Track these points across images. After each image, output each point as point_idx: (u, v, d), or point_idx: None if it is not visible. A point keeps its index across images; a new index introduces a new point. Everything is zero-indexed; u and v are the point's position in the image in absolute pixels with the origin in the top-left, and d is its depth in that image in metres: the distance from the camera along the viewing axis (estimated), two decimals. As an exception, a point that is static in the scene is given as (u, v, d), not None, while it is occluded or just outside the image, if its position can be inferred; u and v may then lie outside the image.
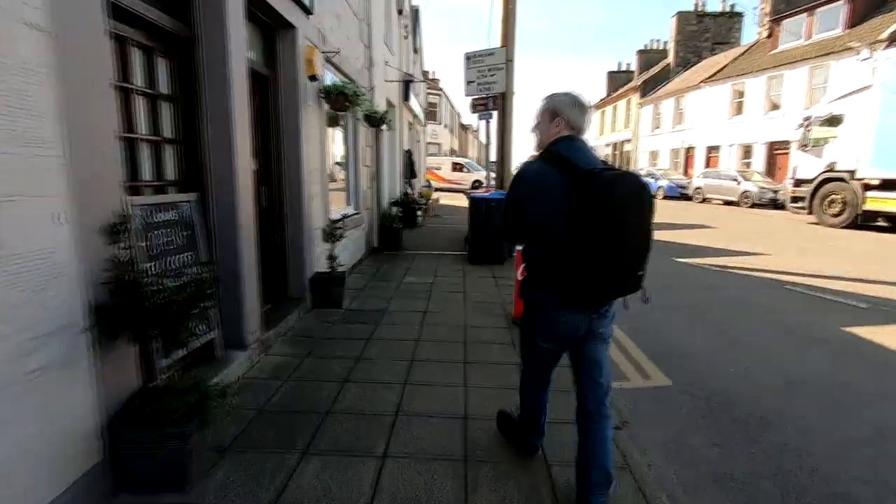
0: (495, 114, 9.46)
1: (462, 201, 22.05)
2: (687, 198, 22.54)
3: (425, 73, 19.51)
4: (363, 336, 4.18)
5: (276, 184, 4.48)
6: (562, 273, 1.78)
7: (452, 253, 8.33)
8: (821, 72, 19.58)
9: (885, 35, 17.04)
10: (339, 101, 5.04)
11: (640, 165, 31.51)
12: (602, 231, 1.68)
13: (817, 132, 12.21)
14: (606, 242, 1.70)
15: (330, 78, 5.62)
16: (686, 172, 26.88)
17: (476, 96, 9.41)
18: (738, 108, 23.84)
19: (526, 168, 1.94)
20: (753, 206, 18.62)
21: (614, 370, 3.08)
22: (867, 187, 10.92)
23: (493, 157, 9.82)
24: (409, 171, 12.61)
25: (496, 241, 7.34)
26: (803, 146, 12.71)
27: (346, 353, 3.79)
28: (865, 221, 11.30)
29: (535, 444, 2.43)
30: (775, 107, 21.74)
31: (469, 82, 9.38)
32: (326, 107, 5.25)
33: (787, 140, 20.84)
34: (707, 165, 25.55)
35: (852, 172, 11.24)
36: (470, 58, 9.32)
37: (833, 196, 11.77)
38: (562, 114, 1.93)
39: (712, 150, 25.64)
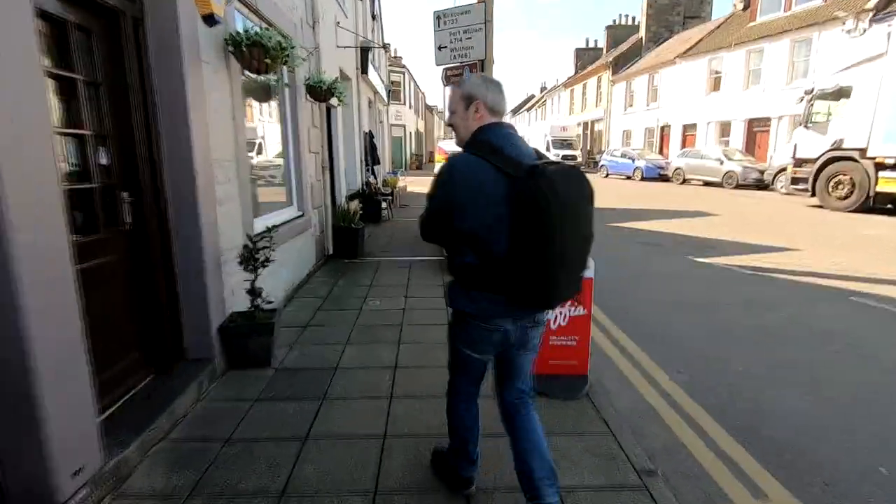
0: (472, 86, 7.87)
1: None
2: (665, 179, 21.62)
3: (386, 46, 17.60)
4: (298, 431, 2.60)
5: (148, 187, 2.79)
6: (504, 280, 1.63)
7: (426, 258, 6.77)
8: (803, 45, 18.73)
9: (870, 4, 16.21)
10: (256, 58, 3.34)
11: (613, 145, 30.54)
12: (551, 234, 1.53)
13: (821, 107, 11.16)
14: (556, 246, 1.55)
15: (244, 23, 3.90)
16: (661, 152, 26.01)
17: (449, 65, 7.78)
18: (716, 84, 22.93)
19: (453, 163, 1.68)
20: (737, 186, 17.76)
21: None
22: (880, 167, 9.94)
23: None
24: (372, 156, 10.87)
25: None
26: (806, 122, 11.65)
27: (265, 477, 2.21)
28: (877, 205, 10.35)
29: (468, 478, 2.11)
30: (755, 82, 20.89)
31: (440, 48, 7.72)
32: (238, 67, 3.55)
33: (768, 117, 20.10)
34: (683, 144, 24.71)
35: (863, 150, 10.23)
36: (440, 17, 7.66)
37: (840, 177, 10.78)
38: (478, 97, 1.73)
39: (689, 128, 24.77)
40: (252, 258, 3.29)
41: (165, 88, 2.79)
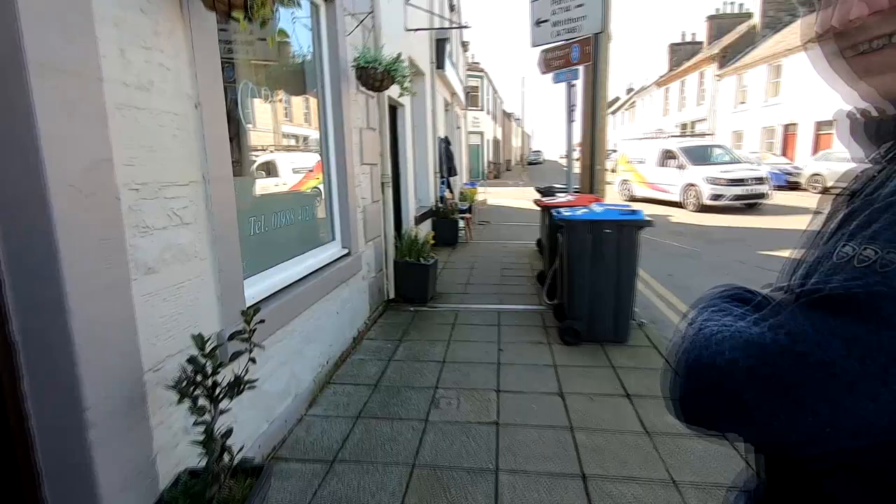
0: (581, 73, 5.90)
1: (520, 200, 18.28)
2: (794, 187, 18.01)
3: (464, 45, 16.00)
4: None
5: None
6: None
7: (519, 308, 4.89)
8: None
9: None
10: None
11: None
12: None
13: None
14: None
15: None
16: (784, 154, 22.05)
17: (550, 44, 5.88)
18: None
19: None
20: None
21: None
22: None
23: (574, 141, 6.27)
24: (448, 166, 9.19)
25: (609, 298, 3.82)
26: None
27: None
28: None
29: None
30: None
31: (539, 22, 5.86)
32: (213, 17, 1.92)
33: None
34: (816, 146, 20.67)
35: None
36: (540, -19, 5.79)
37: None
38: None
39: (823, 125, 20.67)
40: (202, 383, 1.61)
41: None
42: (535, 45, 6.00)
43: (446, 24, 8.67)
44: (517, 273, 6.47)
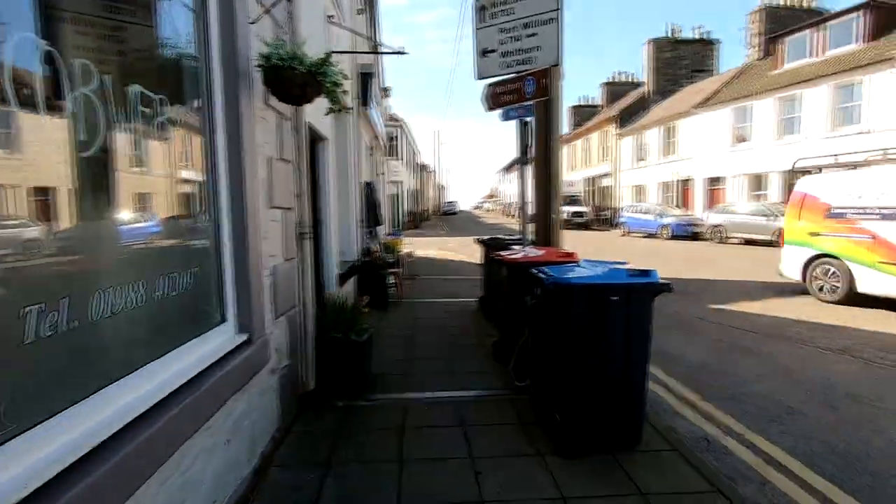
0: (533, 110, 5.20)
1: (445, 251, 17.33)
2: (696, 237, 19.17)
3: (385, 90, 15.40)
4: None
5: None
6: None
7: (486, 393, 3.77)
8: (846, 90, 16.93)
9: (930, 42, 14.44)
10: None
11: (625, 201, 28.42)
12: None
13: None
14: None
15: None
16: (681, 207, 23.76)
17: (497, 77, 5.15)
18: (744, 135, 21.03)
19: None
20: (796, 246, 15.18)
21: None
22: None
23: (527, 189, 5.48)
24: (373, 214, 8.06)
25: (615, 387, 2.83)
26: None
27: None
28: None
29: None
30: (788, 131, 18.97)
31: (485, 52, 5.13)
32: None
33: (813, 167, 17.95)
34: (710, 199, 22.51)
35: None
36: (484, 7, 5.12)
37: None
38: None
39: (714, 181, 22.65)
40: None
41: None
42: (481, 77, 5.24)
43: (378, 50, 7.79)
44: (467, 341, 5.36)
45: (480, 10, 5.13)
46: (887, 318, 6.36)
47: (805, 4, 23.54)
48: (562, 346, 2.86)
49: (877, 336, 5.54)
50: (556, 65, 4.81)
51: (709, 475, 2.64)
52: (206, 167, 2.32)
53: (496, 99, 5.26)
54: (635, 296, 2.78)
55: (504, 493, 2.47)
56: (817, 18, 19.78)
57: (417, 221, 34.37)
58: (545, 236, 5.37)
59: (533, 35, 4.88)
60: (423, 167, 51.37)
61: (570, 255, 4.11)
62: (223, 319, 2.41)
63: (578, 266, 3.19)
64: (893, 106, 15.26)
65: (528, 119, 5.18)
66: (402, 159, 29.72)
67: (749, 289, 8.78)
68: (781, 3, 23.47)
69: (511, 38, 4.99)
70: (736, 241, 17.49)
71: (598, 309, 2.77)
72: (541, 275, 3.01)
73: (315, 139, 4.53)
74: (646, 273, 2.82)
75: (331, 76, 2.58)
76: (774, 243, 15.98)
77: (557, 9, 4.72)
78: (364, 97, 7.54)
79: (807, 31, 19.27)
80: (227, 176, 2.41)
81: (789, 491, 2.61)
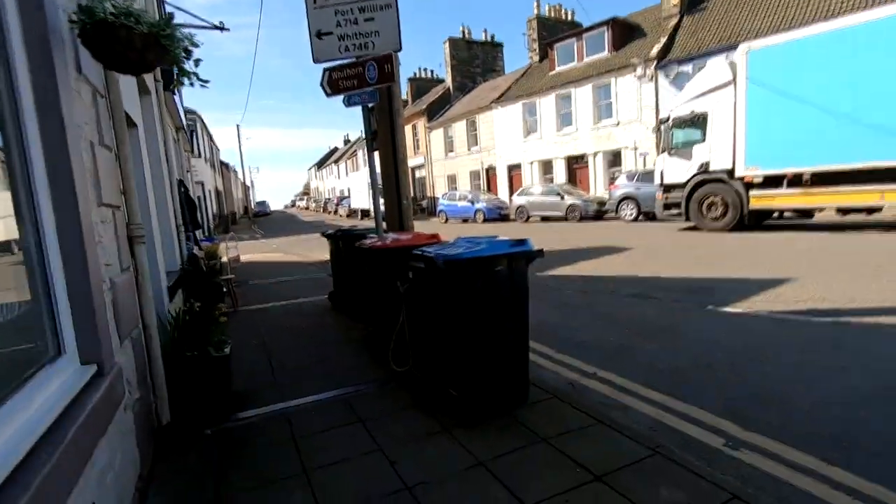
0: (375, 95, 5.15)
1: (268, 254, 15.86)
2: (506, 218, 21.58)
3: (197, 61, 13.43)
4: None
5: None
6: None
7: (373, 386, 3.66)
8: (604, 89, 20.86)
9: (653, 53, 18.77)
10: None
11: (440, 190, 30.29)
12: None
13: (681, 134, 11.49)
14: None
15: None
16: (489, 192, 26.42)
17: (337, 62, 4.95)
18: (533, 127, 24.27)
19: None
20: (581, 219, 18.27)
21: None
22: (749, 185, 10.35)
23: (377, 176, 5.43)
24: (193, 216, 7.01)
25: (505, 351, 3.06)
26: (668, 149, 11.89)
27: None
28: (752, 221, 10.76)
29: None
30: (566, 124, 22.59)
31: (321, 34, 4.90)
32: None
33: (584, 154, 21.74)
34: (511, 183, 25.46)
35: (730, 171, 10.60)
36: (317, -13, 4.85)
37: (712, 198, 11.05)
38: None
39: (513, 168, 25.68)
40: None
41: None
42: (317, 60, 4.97)
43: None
44: (330, 338, 5.12)
45: (311, -12, 4.84)
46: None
47: (566, 17, 28.13)
48: (454, 322, 2.95)
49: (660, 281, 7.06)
50: (398, 50, 4.85)
51: (587, 410, 3.04)
52: (14, 148, 1.73)
53: (334, 85, 5.05)
54: (516, 264, 3.02)
55: (424, 473, 2.46)
56: (576, 30, 23.87)
57: (226, 225, 31.08)
58: (398, 221, 5.41)
59: (370, 20, 4.82)
60: (226, 165, 46.65)
61: (435, 236, 4.23)
62: (61, 351, 1.84)
63: (455, 244, 3.31)
64: (636, 103, 19.40)
65: (371, 104, 5.11)
66: (202, 156, 26.44)
67: (566, 255, 10.27)
68: (548, 14, 27.63)
69: (347, 20, 4.84)
70: (536, 219, 20.20)
71: (489, 279, 2.93)
72: (427, 255, 3.04)
73: (129, 120, 3.72)
74: (522, 242, 3.09)
75: (179, 41, 2.15)
76: (565, 218, 18.92)
77: (392, -6, 4.75)
78: (167, 80, 6.44)
79: (571, 40, 23.11)
80: (44, 163, 1.84)
81: (643, 409, 3.19)
